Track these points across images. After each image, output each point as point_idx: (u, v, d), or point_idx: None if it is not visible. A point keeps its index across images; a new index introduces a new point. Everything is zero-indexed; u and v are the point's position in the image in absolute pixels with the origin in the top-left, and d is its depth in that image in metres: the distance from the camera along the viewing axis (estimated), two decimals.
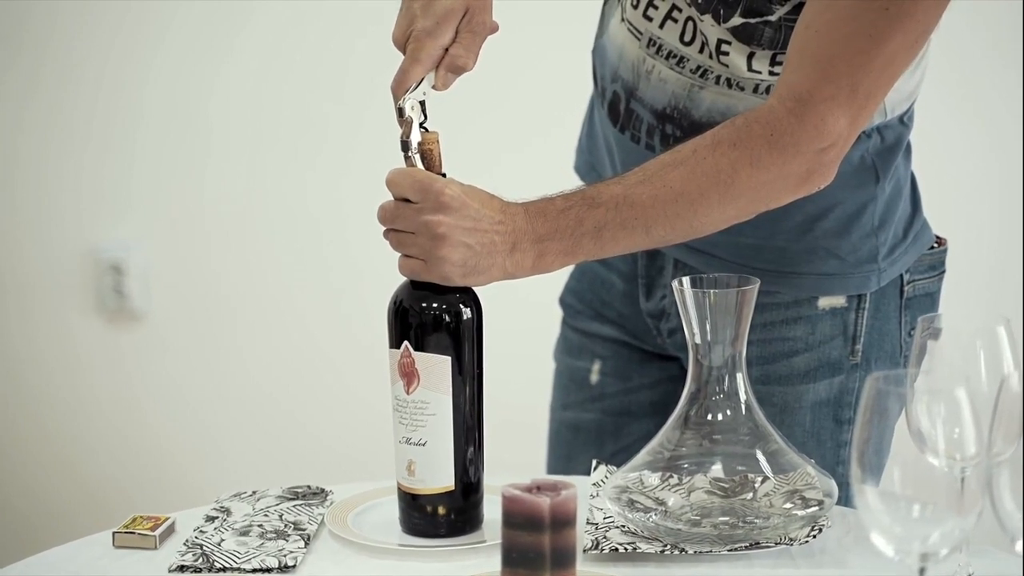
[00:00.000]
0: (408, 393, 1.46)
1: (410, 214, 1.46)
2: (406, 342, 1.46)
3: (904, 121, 1.69)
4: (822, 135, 1.51)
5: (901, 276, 1.71)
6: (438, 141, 1.49)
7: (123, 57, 2.95)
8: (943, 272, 1.75)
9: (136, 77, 2.95)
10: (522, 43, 2.72)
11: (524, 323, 2.60)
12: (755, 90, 1.60)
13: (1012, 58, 2.85)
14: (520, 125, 2.92)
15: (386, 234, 1.49)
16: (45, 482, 3.07)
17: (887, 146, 1.67)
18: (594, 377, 1.83)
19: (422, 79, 1.50)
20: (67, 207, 3.00)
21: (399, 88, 1.52)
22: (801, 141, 1.51)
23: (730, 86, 1.62)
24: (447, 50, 1.54)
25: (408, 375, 1.46)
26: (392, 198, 1.48)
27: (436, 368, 1.45)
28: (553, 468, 1.88)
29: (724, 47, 1.61)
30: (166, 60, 2.95)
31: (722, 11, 1.60)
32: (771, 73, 1.59)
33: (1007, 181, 2.93)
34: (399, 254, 1.48)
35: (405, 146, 1.48)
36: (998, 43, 2.87)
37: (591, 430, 1.84)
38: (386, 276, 1.51)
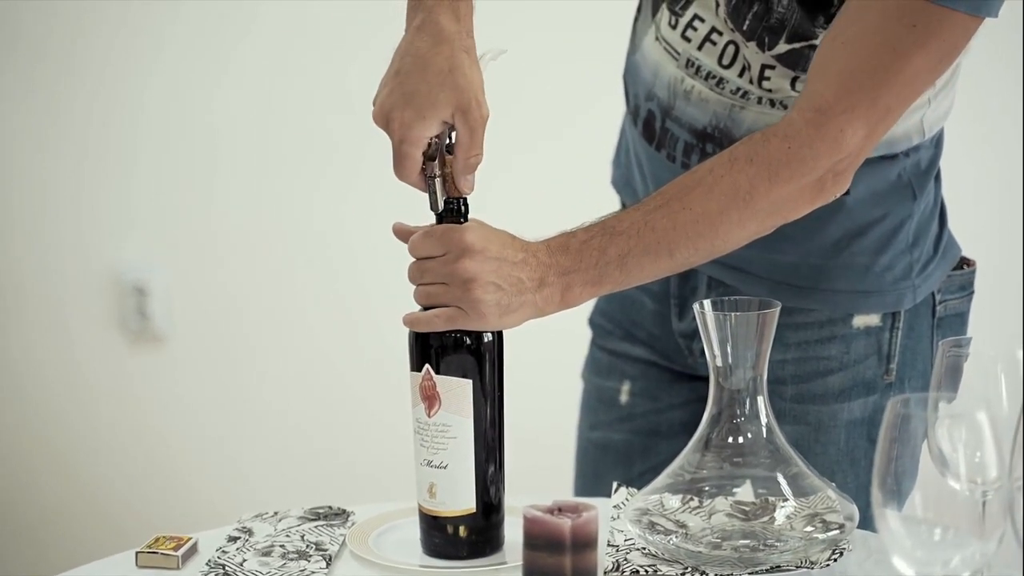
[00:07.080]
0: (429, 416, 1.46)
1: (435, 266, 1.46)
2: (427, 365, 1.46)
3: (936, 142, 1.70)
4: (839, 147, 1.51)
5: (933, 296, 1.71)
6: None
7: (144, 79, 2.96)
8: (972, 292, 1.76)
9: (159, 99, 2.97)
10: (530, 48, 2.72)
11: (548, 343, 2.60)
12: None
13: (1012, 58, 2.84)
14: (530, 129, 2.91)
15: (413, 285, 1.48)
16: (67, 502, 3.08)
17: (923, 165, 1.68)
18: (623, 397, 1.83)
19: None
20: (90, 228, 3.01)
21: (404, 176, 1.46)
22: (820, 153, 1.51)
23: (772, 105, 1.62)
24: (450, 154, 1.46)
25: (429, 398, 1.46)
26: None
27: (457, 391, 1.46)
28: (581, 488, 1.88)
29: (767, 72, 1.61)
30: (175, 82, 2.96)
31: (767, 39, 1.60)
32: None
33: (1007, 183, 2.91)
34: (426, 306, 1.47)
35: (430, 167, 1.47)
36: (998, 43, 2.86)
37: (620, 450, 1.83)
38: (406, 298, 1.51)
